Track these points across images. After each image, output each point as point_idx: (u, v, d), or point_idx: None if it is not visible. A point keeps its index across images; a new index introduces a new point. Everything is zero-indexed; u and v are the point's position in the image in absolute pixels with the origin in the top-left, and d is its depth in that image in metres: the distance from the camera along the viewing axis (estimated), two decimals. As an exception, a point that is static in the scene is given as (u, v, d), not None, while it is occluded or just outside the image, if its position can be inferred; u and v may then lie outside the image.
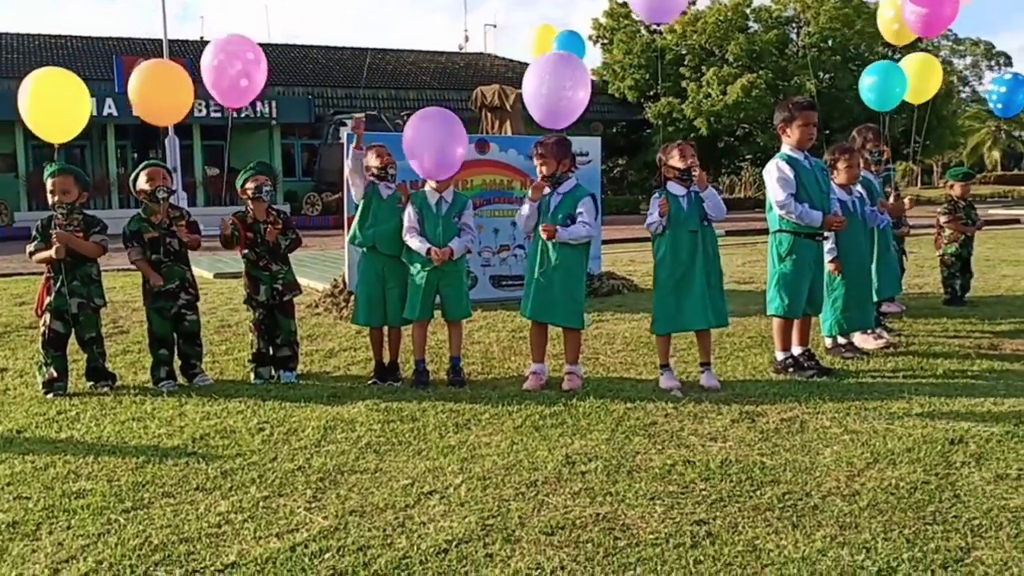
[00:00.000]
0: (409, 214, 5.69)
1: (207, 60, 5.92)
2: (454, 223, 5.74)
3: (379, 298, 5.81)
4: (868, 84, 7.62)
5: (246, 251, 5.94)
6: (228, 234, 5.84)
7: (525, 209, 5.67)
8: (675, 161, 5.55)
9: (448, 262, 5.65)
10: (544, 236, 5.49)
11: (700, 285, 5.55)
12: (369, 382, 5.84)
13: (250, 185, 5.91)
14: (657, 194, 5.62)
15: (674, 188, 5.59)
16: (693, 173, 5.50)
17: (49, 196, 5.61)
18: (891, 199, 7.21)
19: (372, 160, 5.78)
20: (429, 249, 5.58)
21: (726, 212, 5.73)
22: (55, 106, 5.56)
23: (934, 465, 4.08)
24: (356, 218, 5.88)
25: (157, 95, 6.03)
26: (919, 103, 7.91)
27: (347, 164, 5.76)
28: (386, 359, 5.96)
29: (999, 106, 8.75)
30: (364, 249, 5.87)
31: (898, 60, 8.53)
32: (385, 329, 5.93)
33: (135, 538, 3.40)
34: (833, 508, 3.60)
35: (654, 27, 35.80)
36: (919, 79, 7.79)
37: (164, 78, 6.09)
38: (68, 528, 3.52)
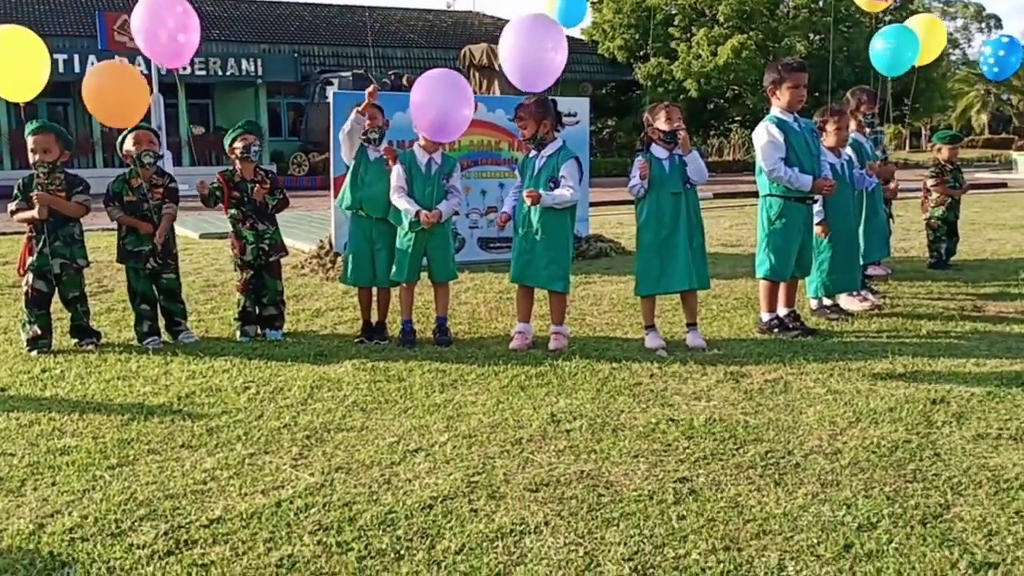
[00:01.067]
0: (398, 174, 5.64)
1: (137, 23, 5.78)
2: (443, 185, 5.71)
3: (367, 259, 5.79)
4: (880, 48, 7.50)
5: (232, 211, 5.89)
6: (205, 194, 5.80)
7: (514, 185, 5.71)
8: (661, 123, 5.51)
9: (436, 224, 5.63)
10: (528, 202, 5.46)
11: (683, 247, 5.54)
12: (356, 341, 5.84)
13: (238, 144, 5.85)
14: (640, 157, 5.59)
15: (657, 151, 5.55)
16: (679, 136, 5.46)
17: (30, 155, 5.55)
18: (879, 162, 7.20)
19: (364, 123, 5.72)
20: (418, 212, 5.55)
21: (708, 177, 5.71)
22: (14, 65, 5.46)
23: (915, 424, 4.12)
24: (346, 181, 5.84)
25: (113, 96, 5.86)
26: (923, 64, 7.85)
27: (345, 124, 5.66)
28: (374, 319, 5.96)
29: (994, 70, 8.70)
30: (352, 211, 5.84)
31: (889, 23, 8.47)
32: (374, 290, 5.92)
33: (120, 494, 3.41)
34: (815, 466, 3.64)
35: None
36: (925, 41, 7.71)
37: (119, 79, 5.94)
38: (53, 484, 3.52)
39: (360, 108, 5.60)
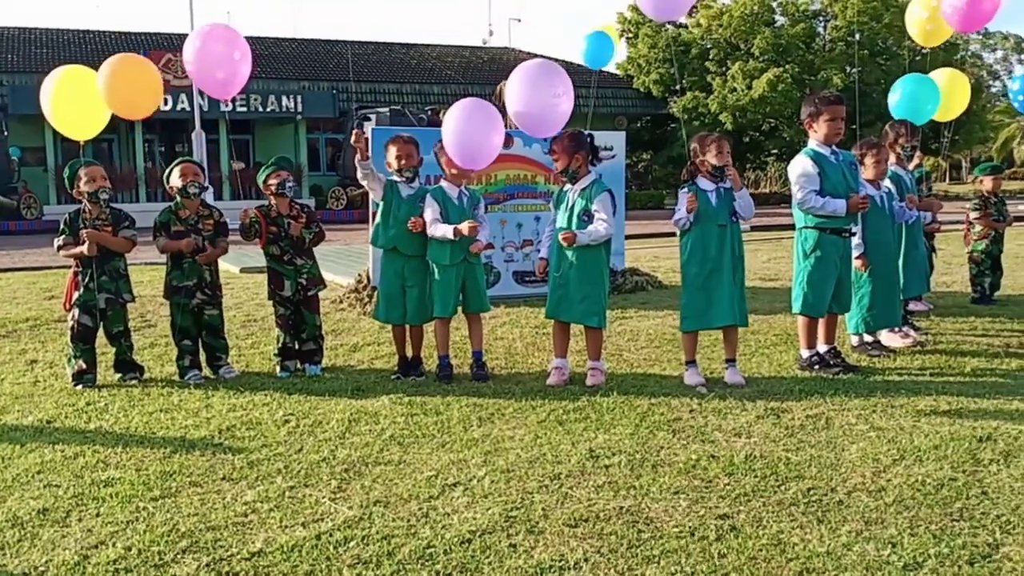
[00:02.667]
0: (433, 208, 5.69)
1: (189, 54, 5.74)
2: (474, 214, 5.76)
3: (399, 297, 5.82)
4: (898, 100, 7.43)
5: (271, 247, 5.97)
6: (247, 223, 5.86)
7: (550, 220, 5.75)
8: (711, 157, 5.51)
9: (471, 256, 5.68)
10: (564, 245, 5.48)
11: (728, 281, 5.52)
12: (392, 376, 5.87)
13: (272, 181, 5.94)
14: (685, 188, 5.58)
15: (703, 183, 5.55)
16: (727, 174, 5.47)
17: (87, 185, 5.65)
18: (927, 197, 7.13)
19: (391, 158, 5.81)
20: (456, 229, 5.55)
21: (755, 212, 5.69)
22: (77, 104, 5.56)
23: (961, 462, 4.04)
24: (377, 219, 5.90)
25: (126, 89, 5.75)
26: (947, 120, 7.75)
27: (358, 172, 5.75)
28: (409, 355, 5.99)
29: (1021, 98, 8.62)
30: (385, 250, 5.89)
31: (925, 57, 8.40)
32: (407, 326, 5.95)
33: (163, 526, 3.44)
34: (859, 504, 3.58)
35: (677, 22, 35.64)
36: (947, 97, 7.61)
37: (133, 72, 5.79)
38: (97, 515, 3.57)
39: (359, 157, 5.68)
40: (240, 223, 5.89)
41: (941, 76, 7.82)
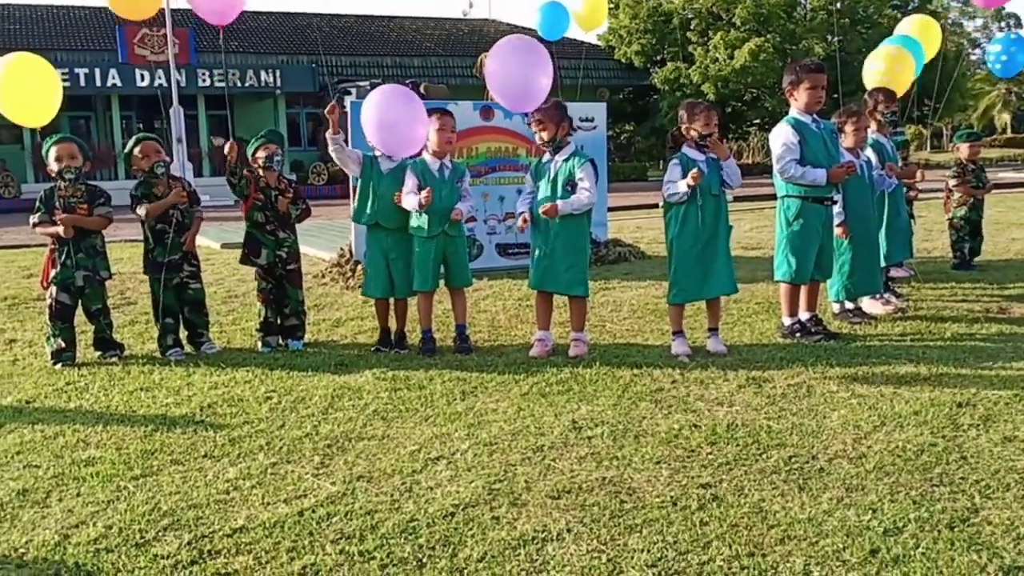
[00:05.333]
0: (411, 179, 5.65)
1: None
2: (458, 187, 5.72)
3: (384, 271, 5.80)
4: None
5: (255, 212, 5.90)
6: (233, 157, 5.66)
7: (526, 190, 5.70)
8: (699, 126, 5.47)
9: (453, 226, 5.65)
10: (547, 217, 5.44)
11: (723, 251, 5.52)
12: (373, 349, 5.85)
13: (261, 154, 5.87)
14: (675, 160, 5.52)
15: (692, 153, 5.52)
16: (708, 143, 5.43)
17: (55, 163, 5.58)
18: (901, 164, 7.13)
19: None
20: (424, 195, 5.44)
21: (741, 181, 5.67)
22: (26, 91, 5.45)
23: (941, 428, 4.07)
24: (357, 195, 5.85)
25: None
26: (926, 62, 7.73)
27: (330, 147, 5.66)
28: (393, 329, 5.97)
29: (997, 66, 8.61)
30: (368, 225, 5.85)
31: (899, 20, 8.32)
32: (391, 300, 5.93)
33: (144, 504, 3.43)
34: (839, 471, 3.61)
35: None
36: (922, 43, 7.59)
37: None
38: (78, 495, 3.55)
39: (331, 130, 5.59)
40: (227, 156, 5.68)
41: (911, 24, 7.78)
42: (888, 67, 7.10)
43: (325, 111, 5.63)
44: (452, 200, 5.64)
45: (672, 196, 5.49)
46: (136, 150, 5.75)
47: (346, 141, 5.74)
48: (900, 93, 7.03)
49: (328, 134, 5.63)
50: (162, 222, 5.75)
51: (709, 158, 5.49)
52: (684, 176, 5.39)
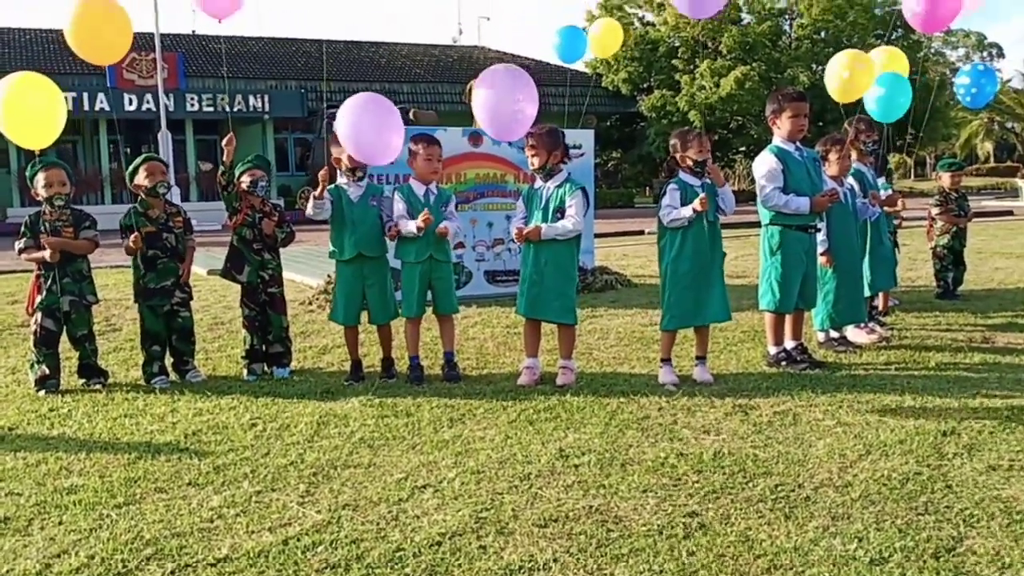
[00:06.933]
0: (398, 203, 5.66)
1: None
2: (442, 212, 5.72)
3: (358, 297, 5.75)
4: (873, 97, 7.35)
5: (244, 229, 5.87)
6: (228, 163, 5.66)
7: (517, 215, 5.70)
8: (693, 153, 5.50)
9: (440, 251, 5.65)
10: (530, 239, 5.46)
11: (718, 277, 5.55)
12: (345, 382, 5.74)
13: (245, 179, 5.87)
14: (674, 185, 5.53)
15: (688, 179, 5.55)
16: (708, 169, 5.48)
17: (44, 190, 5.57)
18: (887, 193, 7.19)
19: (344, 157, 5.62)
20: (424, 221, 5.46)
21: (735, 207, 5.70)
22: (31, 112, 5.39)
23: (926, 456, 4.09)
24: (332, 232, 5.75)
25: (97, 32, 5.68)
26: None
27: (308, 207, 5.59)
28: (379, 357, 5.95)
29: (968, 98, 8.70)
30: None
31: (877, 46, 8.30)
32: (364, 326, 5.87)
33: (127, 533, 3.39)
34: (826, 499, 3.61)
35: (648, 20, 35.82)
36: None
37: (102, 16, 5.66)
38: (60, 523, 3.51)
39: (316, 192, 5.51)
40: (225, 157, 5.66)
41: (880, 53, 7.74)
42: (846, 66, 6.93)
43: (320, 175, 5.51)
44: (438, 225, 5.65)
45: (674, 221, 5.48)
46: (142, 168, 5.75)
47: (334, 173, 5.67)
48: (856, 97, 6.91)
49: (314, 196, 5.54)
50: (154, 248, 5.74)
51: (705, 183, 5.53)
52: (684, 202, 5.43)
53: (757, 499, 3.63)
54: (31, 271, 5.88)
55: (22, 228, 5.68)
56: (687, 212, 5.39)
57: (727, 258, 5.82)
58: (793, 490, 3.72)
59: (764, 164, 5.80)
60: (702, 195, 5.37)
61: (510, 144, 8.31)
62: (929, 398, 5.06)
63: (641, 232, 17.94)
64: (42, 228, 5.58)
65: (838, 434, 4.44)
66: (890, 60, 7.52)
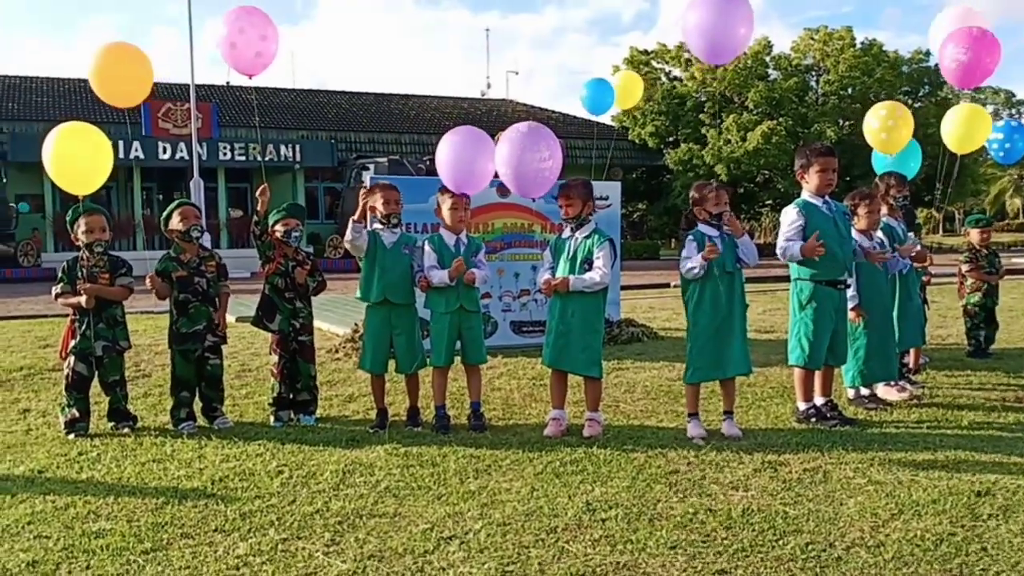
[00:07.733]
0: (428, 254, 5.72)
1: (222, 33, 5.75)
2: (473, 262, 5.77)
3: (386, 345, 5.79)
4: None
5: (276, 278, 5.93)
6: (262, 212, 5.80)
7: (544, 266, 5.75)
8: (710, 205, 5.54)
9: (470, 301, 5.69)
10: (559, 291, 5.49)
11: (738, 329, 5.53)
12: (370, 429, 5.75)
13: (280, 228, 5.96)
14: (691, 236, 5.57)
15: (707, 230, 5.58)
16: (725, 220, 5.50)
17: (84, 235, 5.68)
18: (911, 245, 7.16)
19: (378, 204, 5.75)
20: (453, 268, 5.56)
21: (758, 259, 5.70)
22: (79, 159, 5.58)
23: (960, 517, 4.01)
24: (362, 274, 5.84)
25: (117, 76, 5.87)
26: (964, 152, 7.77)
27: (347, 234, 5.70)
28: (405, 406, 5.96)
29: (1001, 154, 8.68)
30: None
31: (917, 112, 8.43)
32: (391, 375, 5.89)
33: (154, 580, 3.39)
34: (857, 559, 3.55)
35: (674, 75, 36.16)
36: (967, 128, 7.64)
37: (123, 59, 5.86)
38: (87, 568, 3.52)
39: (356, 216, 5.63)
40: (258, 209, 5.80)
41: (961, 109, 7.85)
42: (887, 119, 7.14)
43: (362, 195, 5.70)
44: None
45: (689, 271, 5.51)
46: (176, 213, 5.86)
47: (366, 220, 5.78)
48: (896, 150, 7.10)
49: (354, 220, 5.64)
50: (185, 292, 5.81)
51: (724, 234, 5.54)
52: (700, 252, 5.45)
53: (788, 558, 3.57)
54: (64, 315, 5.96)
55: (59, 273, 5.78)
56: (698, 260, 5.42)
57: (755, 312, 5.81)
58: (824, 549, 3.66)
59: (785, 217, 5.86)
60: (710, 243, 5.40)
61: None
62: (962, 457, 4.98)
63: (667, 285, 17.90)
64: (79, 273, 5.68)
65: (869, 492, 4.38)
66: (972, 115, 7.62)
